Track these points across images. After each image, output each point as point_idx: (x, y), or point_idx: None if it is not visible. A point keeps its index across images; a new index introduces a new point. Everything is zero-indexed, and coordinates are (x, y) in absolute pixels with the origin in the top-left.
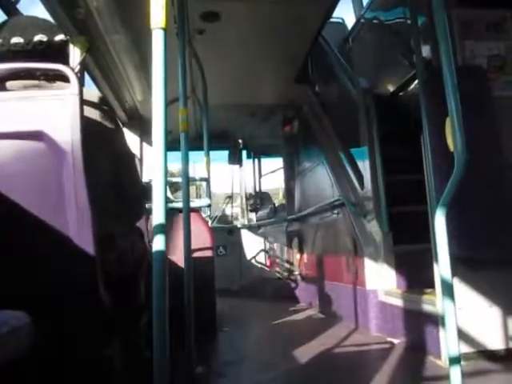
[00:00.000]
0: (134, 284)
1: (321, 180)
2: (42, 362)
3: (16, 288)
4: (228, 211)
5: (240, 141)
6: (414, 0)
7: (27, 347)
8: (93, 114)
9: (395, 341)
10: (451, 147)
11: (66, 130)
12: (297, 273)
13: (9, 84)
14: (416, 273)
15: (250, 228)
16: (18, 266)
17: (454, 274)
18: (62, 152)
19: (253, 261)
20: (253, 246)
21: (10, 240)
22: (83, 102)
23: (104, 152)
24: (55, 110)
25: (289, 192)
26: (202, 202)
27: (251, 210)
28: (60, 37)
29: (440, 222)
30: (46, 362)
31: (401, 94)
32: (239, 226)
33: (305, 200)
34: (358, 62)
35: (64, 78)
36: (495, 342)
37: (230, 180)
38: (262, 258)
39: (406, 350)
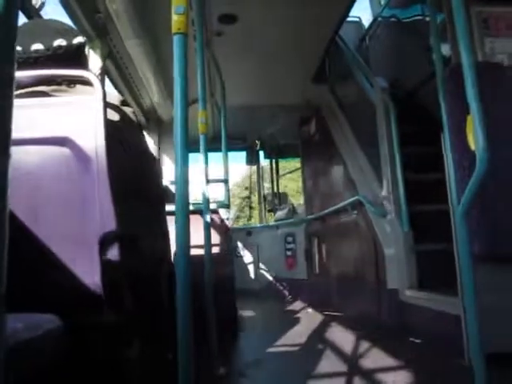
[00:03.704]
0: (155, 285)
1: (339, 180)
2: (68, 363)
3: (39, 291)
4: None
5: (257, 141)
6: None
7: (60, 350)
8: (115, 116)
9: (417, 340)
10: (472, 145)
11: (90, 136)
12: (317, 273)
13: (30, 90)
14: (437, 272)
15: (269, 228)
16: (41, 269)
17: (475, 272)
18: (87, 157)
19: (272, 261)
20: (271, 246)
21: (33, 243)
22: (107, 106)
23: (126, 154)
24: (80, 116)
25: (307, 192)
26: (221, 202)
27: (269, 211)
28: (78, 39)
29: (461, 221)
30: (70, 364)
31: (420, 92)
32: (257, 226)
33: (323, 200)
34: (376, 61)
35: (85, 82)
36: None
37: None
38: (280, 258)
39: (427, 350)
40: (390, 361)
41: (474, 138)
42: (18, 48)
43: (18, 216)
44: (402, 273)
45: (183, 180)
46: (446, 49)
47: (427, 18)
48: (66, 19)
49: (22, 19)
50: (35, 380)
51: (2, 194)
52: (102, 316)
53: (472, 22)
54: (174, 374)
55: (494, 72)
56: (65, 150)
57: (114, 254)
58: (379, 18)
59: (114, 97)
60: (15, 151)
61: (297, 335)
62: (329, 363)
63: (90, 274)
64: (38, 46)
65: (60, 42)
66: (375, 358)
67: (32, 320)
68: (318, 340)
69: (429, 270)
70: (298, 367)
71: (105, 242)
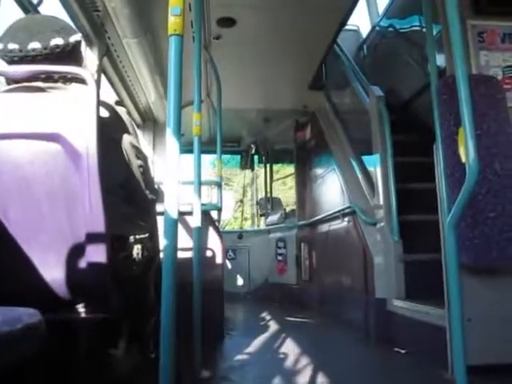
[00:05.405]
0: (143, 285)
1: (332, 187)
2: (51, 360)
3: (26, 286)
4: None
5: (252, 146)
6: (429, 9)
7: (39, 345)
8: (108, 115)
9: (402, 351)
10: (463, 157)
11: (82, 133)
12: (306, 279)
13: (25, 85)
14: (426, 282)
15: (260, 232)
16: (29, 265)
17: (463, 283)
18: (78, 154)
19: (262, 265)
20: (262, 250)
21: (22, 239)
22: (100, 105)
23: (118, 154)
24: (72, 113)
25: (300, 198)
26: (213, 205)
27: (261, 215)
28: (75, 37)
29: (450, 231)
30: (54, 361)
31: (414, 102)
32: (249, 230)
33: (315, 206)
34: (373, 70)
35: (81, 80)
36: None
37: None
38: (271, 262)
39: (412, 361)
40: (371, 370)
41: (465, 150)
42: (15, 45)
43: (4, 210)
44: (391, 282)
45: (173, 181)
46: (441, 60)
47: (424, 29)
48: (63, 16)
49: (19, 14)
50: (13, 373)
51: None
52: (86, 314)
53: (468, 35)
54: (155, 374)
55: (488, 85)
56: (56, 146)
57: (101, 252)
58: (377, 28)
59: (109, 96)
60: (6, 145)
61: (282, 340)
62: (311, 369)
63: (76, 272)
64: (35, 45)
65: (57, 41)
66: (357, 367)
67: (12, 314)
68: (302, 345)
69: (417, 280)
70: (281, 372)
71: (93, 241)
